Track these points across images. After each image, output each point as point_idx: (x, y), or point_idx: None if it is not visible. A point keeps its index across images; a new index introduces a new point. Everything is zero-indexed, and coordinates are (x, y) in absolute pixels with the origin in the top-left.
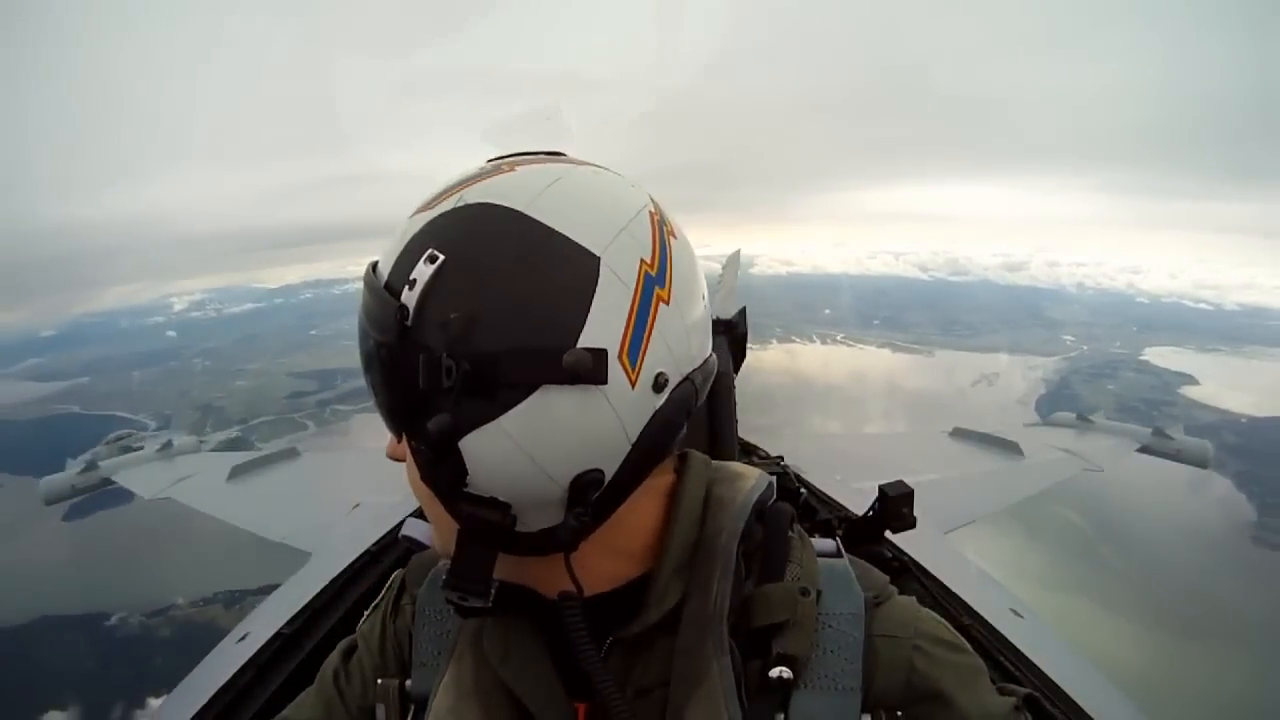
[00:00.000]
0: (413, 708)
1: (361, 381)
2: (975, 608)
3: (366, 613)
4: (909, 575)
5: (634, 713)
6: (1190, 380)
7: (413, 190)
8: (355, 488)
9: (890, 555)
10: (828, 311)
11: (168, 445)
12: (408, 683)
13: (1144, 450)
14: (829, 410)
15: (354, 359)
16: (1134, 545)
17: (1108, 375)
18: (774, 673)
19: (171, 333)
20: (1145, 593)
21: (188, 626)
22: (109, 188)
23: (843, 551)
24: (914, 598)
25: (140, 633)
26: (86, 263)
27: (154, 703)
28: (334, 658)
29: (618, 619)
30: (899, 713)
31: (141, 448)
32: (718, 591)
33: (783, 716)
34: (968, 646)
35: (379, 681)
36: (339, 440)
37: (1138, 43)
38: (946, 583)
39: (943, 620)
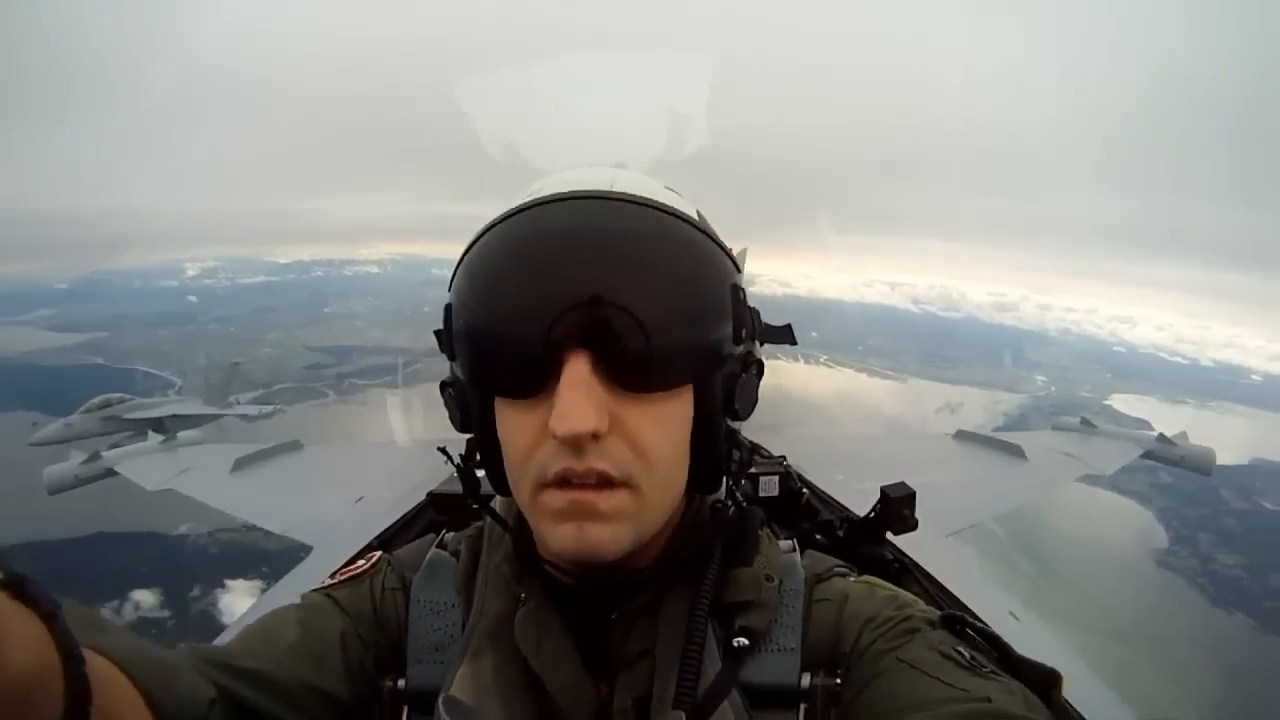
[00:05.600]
0: (406, 708)
1: (376, 359)
2: (975, 610)
3: (340, 579)
4: (909, 576)
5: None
6: (1146, 427)
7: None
8: (358, 481)
9: (891, 557)
10: (814, 334)
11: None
12: (401, 682)
13: (1147, 456)
14: (791, 420)
15: (367, 337)
16: (1045, 557)
17: (1066, 414)
18: (735, 642)
19: (192, 297)
20: (1042, 594)
21: (233, 547)
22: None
23: (797, 549)
24: (865, 578)
25: (208, 542)
26: (101, 228)
27: (230, 583)
28: (327, 610)
29: (616, 596)
30: (837, 677)
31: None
32: (707, 572)
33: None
34: (890, 586)
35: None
36: (359, 410)
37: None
38: (946, 584)
39: (878, 582)
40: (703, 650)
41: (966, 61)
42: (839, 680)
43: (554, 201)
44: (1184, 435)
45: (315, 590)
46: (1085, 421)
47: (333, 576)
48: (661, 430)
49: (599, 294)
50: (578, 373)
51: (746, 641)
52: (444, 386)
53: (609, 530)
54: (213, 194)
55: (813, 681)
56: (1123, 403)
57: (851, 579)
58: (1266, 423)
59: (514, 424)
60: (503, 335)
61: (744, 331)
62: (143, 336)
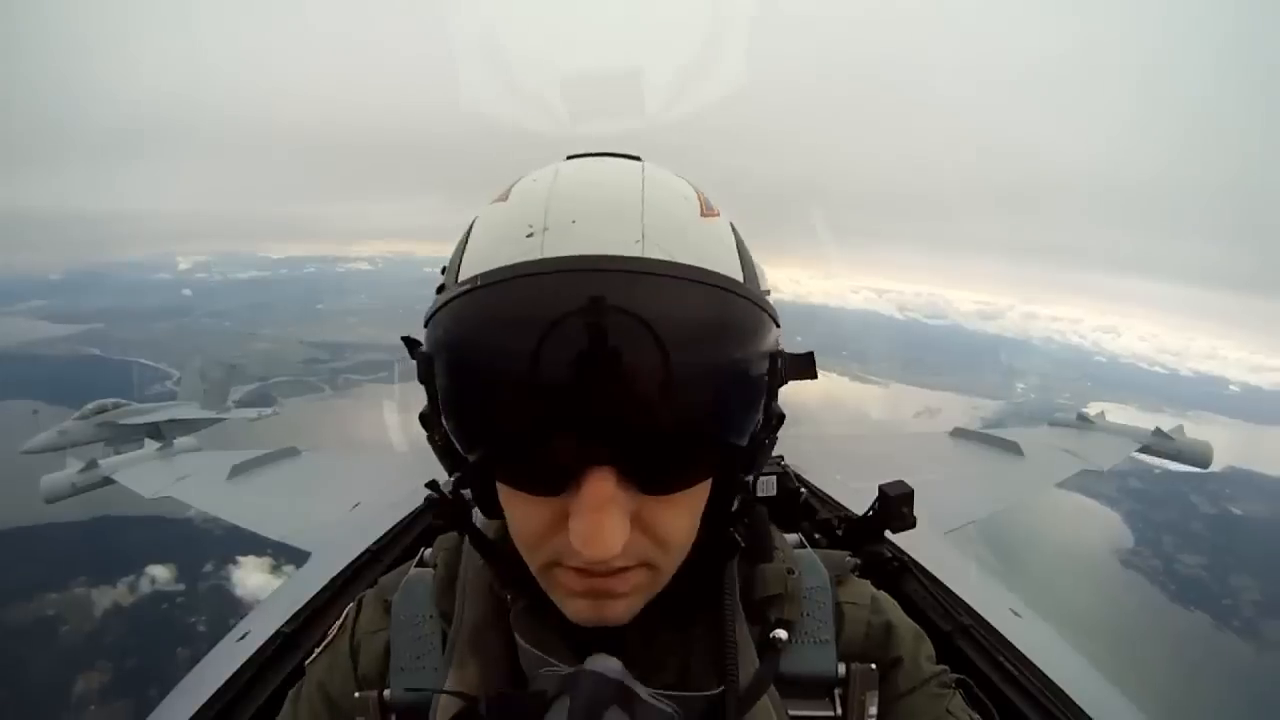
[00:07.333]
0: (393, 717)
1: (370, 355)
2: (975, 608)
3: (317, 652)
4: (909, 575)
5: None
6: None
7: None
8: (355, 487)
9: (890, 555)
10: (799, 339)
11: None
12: (386, 692)
13: (1145, 450)
14: (787, 421)
15: (361, 334)
16: (1013, 553)
17: (1042, 420)
18: (774, 634)
19: (187, 291)
20: (1008, 586)
21: (239, 530)
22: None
23: (805, 543)
24: (869, 581)
25: (213, 525)
26: (94, 224)
27: (242, 559)
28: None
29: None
30: (866, 664)
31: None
32: (731, 571)
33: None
34: (907, 618)
35: (356, 695)
36: (354, 404)
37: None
38: (946, 583)
39: (899, 608)
40: (737, 646)
41: (965, 78)
42: (874, 666)
43: (573, 271)
44: (1180, 429)
45: (303, 665)
46: (1082, 417)
47: (318, 644)
48: (684, 518)
49: (627, 410)
50: (602, 491)
51: (784, 634)
52: (425, 420)
53: (625, 604)
54: (207, 198)
55: (849, 668)
56: (1100, 411)
57: (869, 584)
58: (1243, 432)
59: (522, 511)
60: (512, 434)
61: (775, 396)
62: (139, 329)
